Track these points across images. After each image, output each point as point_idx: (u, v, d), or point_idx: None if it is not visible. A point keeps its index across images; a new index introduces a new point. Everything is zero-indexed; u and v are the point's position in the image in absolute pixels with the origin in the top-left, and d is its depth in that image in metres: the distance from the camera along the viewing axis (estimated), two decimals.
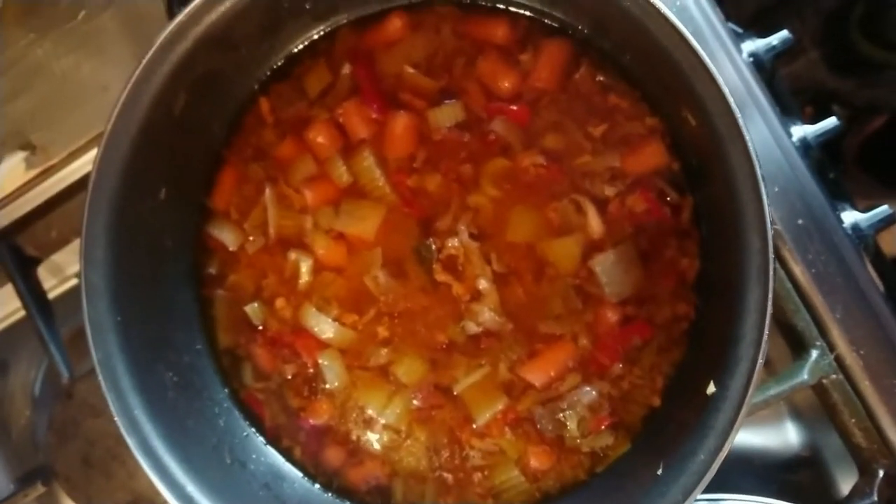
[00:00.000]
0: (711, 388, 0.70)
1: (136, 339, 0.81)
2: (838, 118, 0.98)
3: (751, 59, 0.94)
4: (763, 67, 0.96)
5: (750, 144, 0.65)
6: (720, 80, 0.65)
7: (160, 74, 0.78)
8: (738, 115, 0.65)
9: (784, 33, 0.99)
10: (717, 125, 0.68)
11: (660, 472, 0.72)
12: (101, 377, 0.77)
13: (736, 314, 0.69)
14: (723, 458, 0.67)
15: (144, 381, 0.80)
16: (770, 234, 0.65)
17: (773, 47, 0.97)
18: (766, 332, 0.66)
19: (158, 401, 0.80)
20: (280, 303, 0.90)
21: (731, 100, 0.65)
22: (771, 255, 0.65)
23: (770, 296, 0.65)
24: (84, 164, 1.09)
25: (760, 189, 0.65)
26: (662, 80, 0.77)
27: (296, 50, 0.91)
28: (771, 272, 0.65)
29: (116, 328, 0.79)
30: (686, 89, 0.70)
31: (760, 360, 0.66)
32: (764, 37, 0.97)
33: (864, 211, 0.94)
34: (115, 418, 0.77)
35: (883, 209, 0.95)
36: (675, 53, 0.68)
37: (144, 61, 0.76)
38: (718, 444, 0.67)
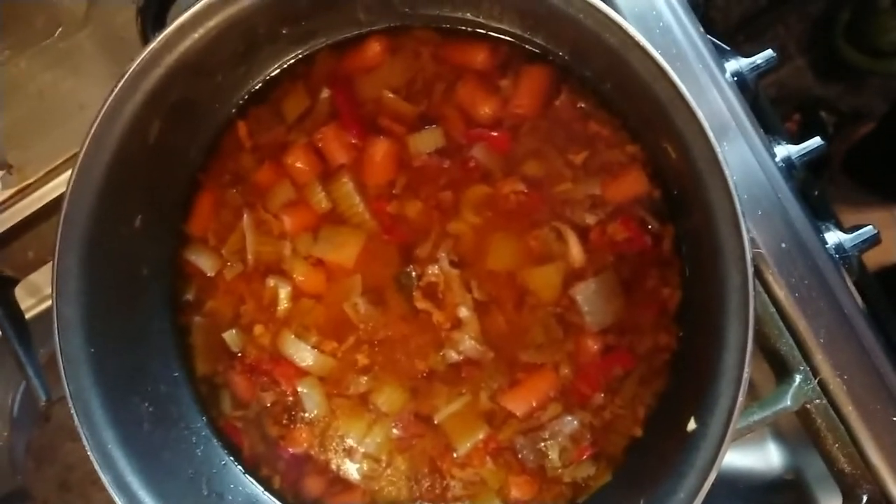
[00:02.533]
0: (692, 425, 0.69)
1: (111, 371, 0.79)
2: (823, 136, 0.98)
3: (734, 79, 0.93)
4: (747, 87, 0.95)
5: (730, 181, 0.64)
6: (700, 116, 0.64)
7: (133, 102, 0.77)
8: (718, 151, 0.64)
9: (768, 52, 0.97)
10: (696, 160, 0.67)
11: None
12: (74, 412, 0.76)
13: (716, 350, 0.68)
14: (703, 496, 0.67)
15: (119, 413, 0.78)
16: (751, 271, 0.64)
17: (757, 66, 0.96)
18: (747, 369, 0.65)
19: (133, 434, 0.79)
20: (258, 329, 0.89)
21: (711, 136, 0.64)
22: (751, 293, 0.64)
23: (751, 334, 0.65)
24: (61, 183, 1.07)
25: (741, 226, 0.64)
26: (642, 111, 0.76)
27: (273, 74, 0.89)
28: (751, 310, 0.65)
29: (90, 360, 0.77)
30: (665, 122, 0.69)
31: (740, 399, 0.65)
32: (747, 56, 0.96)
33: (848, 231, 0.93)
34: (89, 454, 0.75)
35: (867, 229, 0.94)
36: (654, 86, 0.68)
37: (116, 90, 0.75)
38: (698, 483, 0.67)
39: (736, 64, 0.95)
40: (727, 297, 0.67)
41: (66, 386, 0.76)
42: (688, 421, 0.71)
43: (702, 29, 0.93)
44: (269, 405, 0.89)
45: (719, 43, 0.95)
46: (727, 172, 0.64)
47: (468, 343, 0.84)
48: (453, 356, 0.85)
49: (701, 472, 0.67)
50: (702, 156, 0.66)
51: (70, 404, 0.76)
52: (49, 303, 1.13)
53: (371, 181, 0.87)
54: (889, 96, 2.18)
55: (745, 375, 0.65)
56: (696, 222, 0.73)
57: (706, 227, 0.69)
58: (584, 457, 0.84)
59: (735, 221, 0.64)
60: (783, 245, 0.89)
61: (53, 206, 1.07)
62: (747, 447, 1.08)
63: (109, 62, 1.09)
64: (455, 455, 0.85)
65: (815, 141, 0.97)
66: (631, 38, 0.66)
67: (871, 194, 1.85)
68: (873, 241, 0.94)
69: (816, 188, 1.06)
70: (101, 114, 0.75)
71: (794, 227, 0.89)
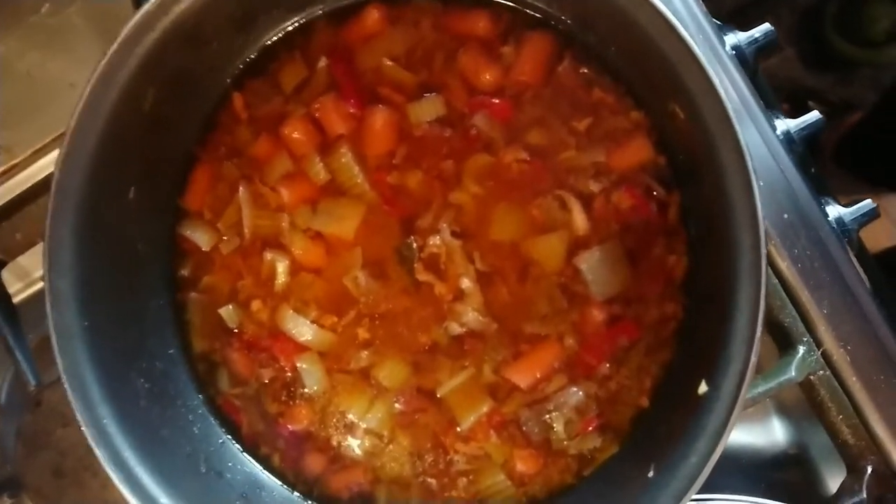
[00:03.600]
0: (703, 388, 0.68)
1: (106, 346, 0.77)
2: (827, 117, 0.97)
3: (733, 53, 0.93)
4: (745, 61, 0.94)
5: (741, 139, 0.63)
6: (711, 73, 0.63)
7: (127, 68, 0.75)
8: (729, 109, 0.63)
9: (766, 26, 0.97)
10: (706, 120, 0.66)
11: (650, 475, 0.70)
12: (67, 387, 0.73)
13: (727, 313, 0.67)
14: (715, 461, 0.66)
15: (114, 389, 0.76)
16: (762, 229, 0.63)
17: (756, 40, 0.95)
18: (759, 330, 0.64)
19: (129, 410, 0.77)
20: (256, 305, 0.87)
21: (722, 93, 0.63)
22: (763, 252, 0.63)
23: (763, 293, 0.64)
24: (49, 163, 1.04)
25: (752, 185, 0.63)
26: (649, 73, 0.75)
27: (269, 43, 0.88)
28: (763, 269, 0.64)
29: (84, 335, 0.75)
30: (674, 83, 0.68)
31: (753, 359, 0.64)
32: (745, 30, 0.95)
33: (847, 206, 0.93)
34: (84, 429, 0.73)
35: (866, 203, 0.94)
36: (663, 45, 0.66)
37: (109, 54, 0.73)
38: (710, 446, 0.66)
39: (734, 38, 0.94)
40: (738, 259, 0.66)
41: (58, 360, 0.74)
42: (698, 386, 0.70)
43: (701, 2, 0.92)
44: (267, 382, 0.87)
45: (715, 21, 0.94)
46: (738, 130, 0.63)
47: (471, 315, 0.83)
48: (456, 329, 0.83)
49: (713, 435, 0.66)
50: (712, 114, 0.65)
51: (63, 379, 0.74)
52: (38, 286, 1.12)
53: (371, 152, 0.85)
54: (878, 86, 2.19)
55: (758, 335, 0.64)
56: (705, 186, 0.72)
57: (715, 189, 0.68)
58: (590, 428, 0.83)
59: (746, 180, 0.63)
60: (785, 216, 0.88)
61: (42, 187, 1.05)
62: (751, 423, 1.07)
63: (100, 39, 1.07)
64: (458, 429, 0.84)
65: (814, 115, 0.96)
66: None
67: (861, 183, 1.86)
68: (872, 214, 0.94)
69: (813, 165, 1.06)
70: (94, 79, 0.73)
71: (796, 199, 0.88)
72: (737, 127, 0.64)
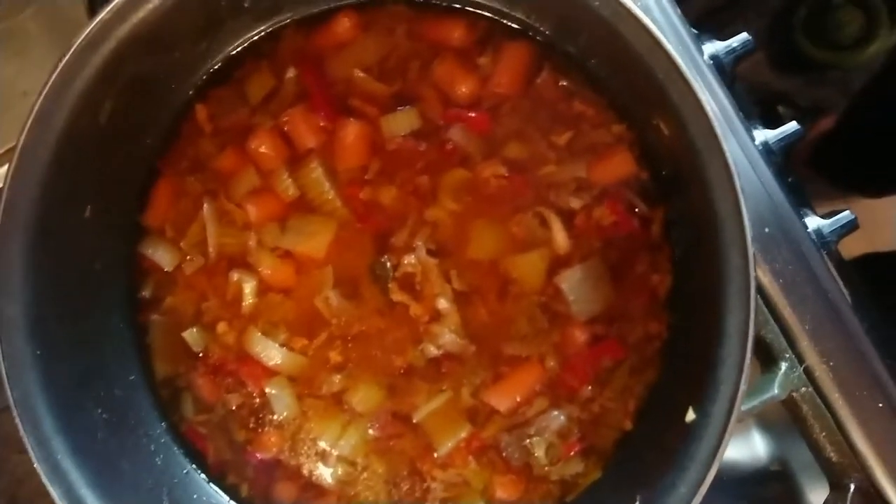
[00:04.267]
0: (691, 416, 0.66)
1: (60, 375, 0.73)
2: (798, 122, 0.96)
3: (711, 62, 0.91)
4: (723, 70, 0.93)
5: (729, 157, 0.61)
6: (698, 90, 0.61)
7: (82, 78, 0.71)
8: (716, 125, 0.61)
9: (744, 35, 0.95)
10: (692, 136, 0.64)
11: None
12: (18, 420, 0.69)
13: (715, 336, 0.65)
14: (705, 490, 0.63)
15: (70, 421, 0.72)
16: (751, 251, 0.61)
17: (733, 49, 0.94)
18: (749, 355, 0.62)
19: (86, 443, 0.73)
20: (222, 327, 0.83)
21: (709, 109, 0.61)
22: (752, 274, 0.61)
23: (752, 317, 0.61)
24: (3, 174, 0.99)
25: (740, 204, 0.61)
26: (632, 86, 0.72)
27: (235, 52, 0.84)
28: (752, 292, 0.61)
29: (36, 363, 0.71)
30: (659, 97, 0.66)
31: (743, 386, 0.62)
32: (723, 39, 0.94)
33: (825, 217, 0.92)
34: (36, 465, 0.69)
35: (845, 214, 0.93)
36: (648, 60, 0.64)
37: (63, 63, 0.69)
38: (700, 475, 0.63)
39: (713, 47, 0.92)
40: (726, 280, 0.64)
41: (9, 392, 0.69)
42: (685, 412, 0.68)
43: (679, 11, 0.90)
44: (234, 408, 0.83)
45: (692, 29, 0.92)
46: (726, 148, 0.61)
47: (448, 336, 0.79)
48: (433, 351, 0.80)
49: (703, 464, 0.63)
50: (699, 131, 0.62)
51: (14, 412, 0.69)
52: None
53: (342, 166, 0.81)
54: (846, 90, 2.21)
55: (747, 361, 0.62)
56: (691, 202, 0.70)
57: (702, 206, 0.66)
58: (573, 453, 0.80)
59: (735, 199, 0.61)
60: (766, 230, 0.86)
61: None
62: (733, 440, 1.04)
63: (55, 45, 1.02)
64: (436, 455, 0.81)
65: (792, 125, 0.95)
66: (624, 7, 0.63)
67: (836, 188, 1.86)
68: (851, 226, 0.93)
69: (790, 175, 1.05)
70: (46, 89, 0.68)
71: (777, 212, 0.87)
72: (724, 145, 0.61)
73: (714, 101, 0.87)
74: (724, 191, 0.62)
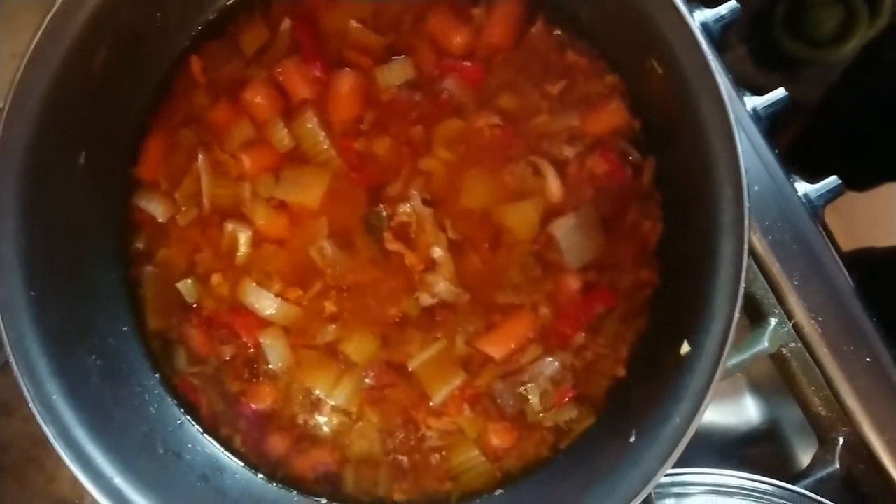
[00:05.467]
0: (685, 348, 0.67)
1: (54, 319, 0.73)
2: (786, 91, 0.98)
3: (700, 28, 0.92)
4: (713, 38, 0.94)
5: (722, 90, 0.62)
6: (690, 20, 0.62)
7: (77, 22, 0.71)
8: (709, 56, 0.62)
9: (733, 3, 0.97)
10: (686, 73, 0.65)
11: (632, 439, 0.68)
12: (13, 360, 0.69)
13: (708, 270, 0.66)
14: (699, 421, 0.64)
15: (64, 364, 0.72)
16: (745, 181, 0.62)
17: (722, 17, 0.95)
18: (742, 285, 0.63)
19: (80, 387, 0.72)
20: (216, 279, 0.82)
21: (701, 40, 0.62)
22: (746, 204, 0.62)
23: (746, 247, 0.62)
24: None
25: (733, 134, 0.62)
26: (625, 30, 0.73)
27: (229, 3, 0.84)
28: (746, 221, 0.62)
29: (31, 306, 0.71)
30: (653, 37, 0.67)
31: (736, 315, 0.63)
32: (712, 7, 0.95)
33: (812, 182, 0.93)
34: (31, 405, 0.68)
35: (832, 180, 0.94)
36: None
37: (56, 7, 0.68)
38: (694, 406, 0.64)
39: (702, 15, 0.94)
40: (720, 214, 0.65)
41: (2, 333, 0.69)
42: (677, 351, 0.69)
43: None
44: (228, 359, 0.83)
45: None
46: (719, 80, 0.62)
47: (442, 285, 0.80)
48: (427, 300, 0.80)
49: (697, 394, 0.64)
50: (692, 64, 0.63)
51: (9, 352, 0.69)
52: None
53: (336, 117, 0.82)
54: (824, 85, 2.23)
55: (741, 291, 0.63)
56: (682, 146, 0.71)
57: (695, 145, 0.67)
58: (566, 399, 0.80)
59: (727, 131, 0.62)
60: (756, 188, 0.88)
61: None
62: (723, 400, 1.07)
63: (44, 6, 1.01)
64: (430, 404, 0.81)
65: (780, 92, 0.97)
66: None
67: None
68: (838, 191, 0.94)
69: (777, 147, 1.06)
70: (41, 31, 0.68)
71: (767, 173, 0.89)
72: (717, 77, 0.62)
73: None
74: (717, 124, 0.63)
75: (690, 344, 0.66)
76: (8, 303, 0.69)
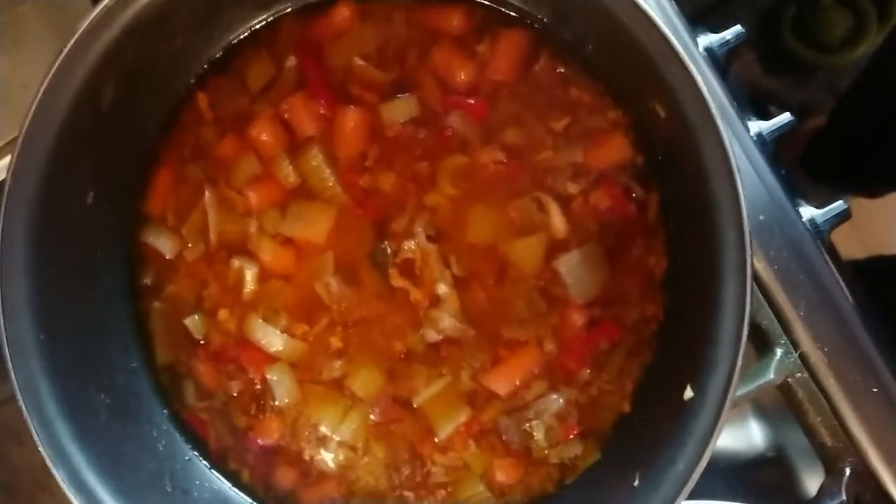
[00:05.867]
0: (689, 394, 0.67)
1: (63, 360, 0.73)
2: (792, 114, 0.98)
3: (705, 54, 0.92)
4: (717, 62, 0.94)
5: (724, 135, 0.62)
6: (692, 69, 0.62)
7: (85, 64, 0.71)
8: (710, 103, 0.62)
9: (737, 28, 0.97)
10: (688, 116, 0.65)
11: (636, 483, 0.68)
12: (23, 404, 0.69)
13: (711, 314, 0.66)
14: (703, 466, 0.64)
15: (73, 405, 0.72)
16: (747, 226, 0.62)
17: (727, 42, 0.95)
18: (746, 332, 0.63)
19: (90, 427, 0.73)
20: (223, 314, 0.83)
21: (703, 87, 0.62)
22: (748, 249, 0.62)
23: (749, 293, 0.62)
24: (3, 167, 1.00)
25: (735, 179, 0.62)
26: (628, 70, 0.73)
27: (236, 41, 0.84)
28: (749, 267, 0.62)
29: (40, 349, 0.71)
30: (654, 79, 0.67)
31: (739, 362, 0.63)
32: (716, 31, 0.95)
33: (818, 207, 0.93)
34: (41, 449, 0.69)
35: (838, 204, 0.94)
36: (643, 41, 0.65)
37: (67, 48, 0.69)
38: (698, 452, 0.64)
39: (706, 39, 0.94)
40: (722, 257, 0.65)
41: (13, 376, 0.70)
42: (683, 390, 0.69)
43: (675, 4, 0.91)
44: (235, 394, 0.84)
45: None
46: (721, 125, 0.62)
47: (448, 321, 0.80)
48: (432, 335, 0.81)
49: (701, 440, 0.64)
50: (694, 109, 0.63)
51: (18, 396, 0.70)
52: None
53: (342, 153, 0.82)
54: (834, 90, 2.22)
55: (744, 337, 0.63)
56: (686, 184, 0.71)
57: (697, 186, 0.67)
58: (571, 436, 0.80)
59: (730, 175, 0.62)
60: (761, 217, 0.87)
61: None
62: (729, 426, 1.06)
63: (55, 37, 1.02)
64: (436, 439, 0.81)
65: (785, 116, 0.97)
66: None
67: (825, 189, 1.87)
68: (844, 216, 0.94)
69: (783, 168, 1.06)
70: (51, 74, 0.69)
71: (772, 200, 0.88)
72: (719, 123, 0.62)
73: (709, 91, 0.89)
74: (719, 167, 0.63)
75: (693, 389, 0.67)
76: (17, 346, 0.70)
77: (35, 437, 0.69)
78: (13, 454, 0.99)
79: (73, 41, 0.70)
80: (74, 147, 0.73)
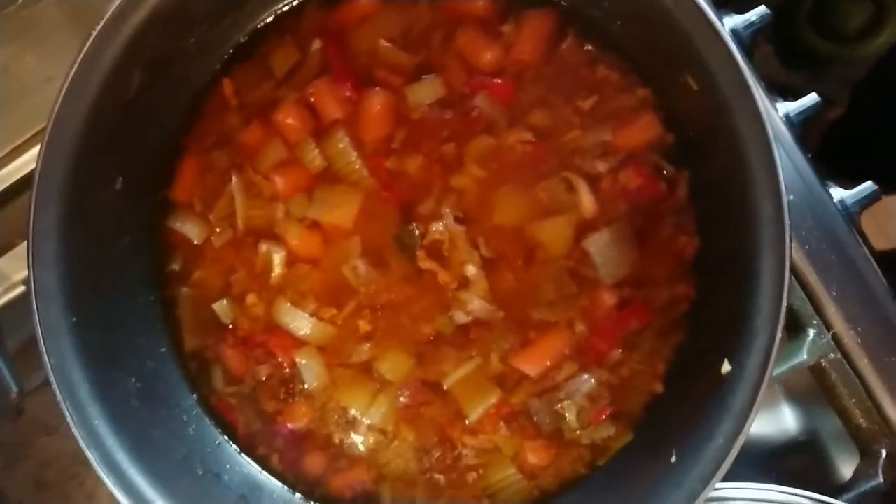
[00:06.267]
0: (726, 367, 0.66)
1: (94, 344, 0.74)
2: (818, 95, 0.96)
3: (731, 35, 0.91)
4: (743, 44, 0.93)
5: (760, 106, 0.61)
6: (727, 37, 0.61)
7: (112, 50, 0.71)
8: (746, 73, 0.61)
9: (762, 9, 0.96)
10: (722, 89, 0.64)
11: (673, 459, 0.67)
12: (56, 386, 0.69)
13: (748, 288, 0.65)
14: (742, 441, 0.63)
15: (104, 388, 0.73)
16: (785, 198, 0.61)
17: (752, 23, 0.94)
18: (785, 303, 0.62)
19: (121, 410, 0.73)
20: (251, 299, 0.83)
21: (738, 57, 0.61)
22: (787, 222, 0.61)
23: (787, 265, 0.61)
24: (27, 161, 1.00)
25: (772, 151, 0.61)
26: (658, 46, 0.73)
27: (260, 26, 0.84)
28: (787, 240, 0.61)
29: (71, 332, 0.72)
30: (687, 53, 0.66)
31: (779, 334, 0.62)
32: (741, 13, 0.94)
33: (847, 188, 0.92)
34: (74, 431, 0.69)
35: (868, 185, 0.93)
36: (675, 12, 0.64)
37: (94, 34, 0.69)
38: (737, 426, 0.63)
39: (731, 21, 0.93)
40: (759, 232, 0.64)
41: (46, 359, 0.70)
42: (717, 368, 0.68)
43: None
44: (264, 379, 0.84)
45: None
46: (757, 96, 0.61)
47: (476, 303, 0.80)
48: (461, 317, 0.80)
49: (739, 415, 0.63)
50: (729, 80, 0.63)
51: (51, 378, 0.70)
52: (18, 290, 1.08)
53: (368, 136, 0.82)
54: (850, 82, 2.19)
55: (783, 309, 0.62)
56: (718, 160, 0.70)
57: (731, 161, 0.66)
58: (603, 417, 0.80)
59: (766, 148, 0.61)
60: (791, 198, 0.86)
61: (19, 187, 1.01)
62: (761, 411, 1.04)
63: (77, 31, 1.02)
64: (466, 422, 0.81)
65: (812, 97, 0.96)
66: None
67: (849, 181, 1.85)
68: (874, 196, 0.93)
69: (809, 151, 1.05)
70: (79, 59, 0.69)
71: (801, 180, 0.87)
72: (756, 94, 0.62)
73: None
74: (755, 139, 0.62)
75: (731, 363, 0.66)
76: (50, 329, 0.70)
77: (68, 418, 0.69)
78: (42, 444, 1.00)
79: (98, 29, 0.70)
80: (102, 135, 0.74)
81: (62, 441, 0.97)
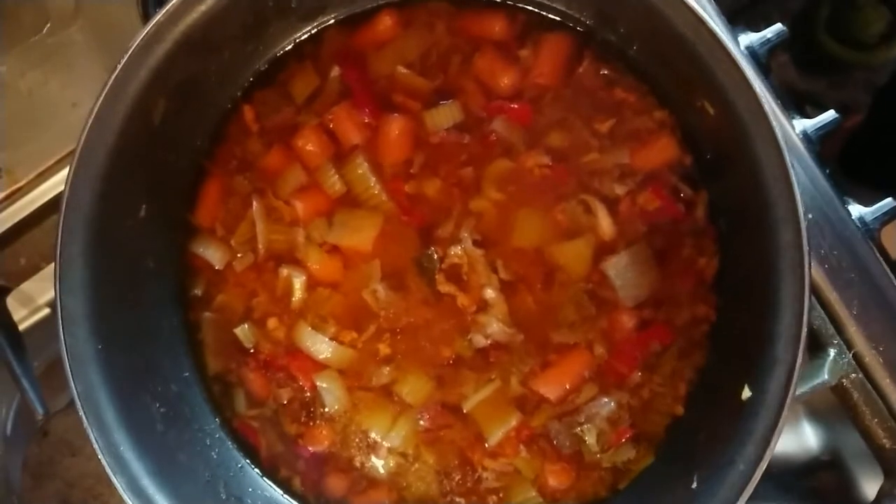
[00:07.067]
0: (747, 393, 0.66)
1: (119, 369, 0.75)
2: (836, 111, 0.96)
3: (746, 53, 0.91)
4: (759, 61, 0.93)
5: (777, 132, 0.62)
6: (743, 64, 0.62)
7: (137, 80, 0.73)
8: (763, 100, 0.61)
9: (778, 26, 0.96)
10: (739, 114, 0.64)
11: (694, 485, 0.67)
12: (82, 412, 0.70)
13: (769, 313, 0.65)
14: (765, 467, 0.63)
15: (130, 414, 0.73)
16: (804, 224, 0.61)
17: (768, 40, 0.94)
18: (805, 329, 0.62)
19: (146, 435, 0.74)
20: (272, 323, 0.84)
21: (755, 85, 0.62)
22: (806, 248, 0.61)
23: (807, 291, 0.61)
24: (54, 185, 1.02)
25: (791, 178, 0.61)
26: (674, 70, 0.73)
27: (280, 53, 0.86)
28: (807, 266, 0.61)
29: (97, 358, 0.73)
30: (702, 77, 0.66)
31: (799, 359, 0.62)
32: (757, 30, 0.94)
33: (867, 204, 0.91)
34: (100, 457, 0.70)
35: (888, 202, 0.92)
36: (690, 38, 0.65)
37: (121, 65, 0.71)
38: (759, 451, 0.63)
39: (747, 38, 0.93)
40: (778, 256, 0.64)
41: (72, 386, 0.71)
42: (738, 392, 0.68)
43: (714, 3, 0.91)
44: (286, 402, 0.84)
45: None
46: (774, 123, 0.61)
47: (496, 326, 0.80)
48: (480, 340, 0.81)
49: (761, 440, 0.63)
50: (745, 107, 0.63)
51: (78, 405, 0.71)
52: (43, 313, 1.09)
53: (387, 161, 0.83)
54: (871, 88, 2.17)
55: (804, 335, 0.62)
56: (736, 182, 0.70)
57: (749, 187, 0.66)
58: (624, 439, 0.80)
59: (784, 173, 0.61)
60: (810, 216, 0.86)
61: (46, 210, 1.02)
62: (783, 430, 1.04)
63: (102, 57, 1.04)
64: (486, 445, 0.81)
65: (830, 114, 0.95)
66: None
67: (864, 188, 1.83)
68: (894, 213, 0.92)
69: (828, 166, 1.05)
70: (106, 90, 0.70)
71: (821, 199, 0.87)
72: (772, 120, 0.62)
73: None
74: (773, 166, 0.62)
75: (752, 388, 0.66)
76: (76, 356, 0.71)
77: (95, 445, 0.70)
78: (67, 465, 1.01)
79: (126, 57, 0.71)
80: (128, 160, 0.75)
81: (87, 462, 0.98)
